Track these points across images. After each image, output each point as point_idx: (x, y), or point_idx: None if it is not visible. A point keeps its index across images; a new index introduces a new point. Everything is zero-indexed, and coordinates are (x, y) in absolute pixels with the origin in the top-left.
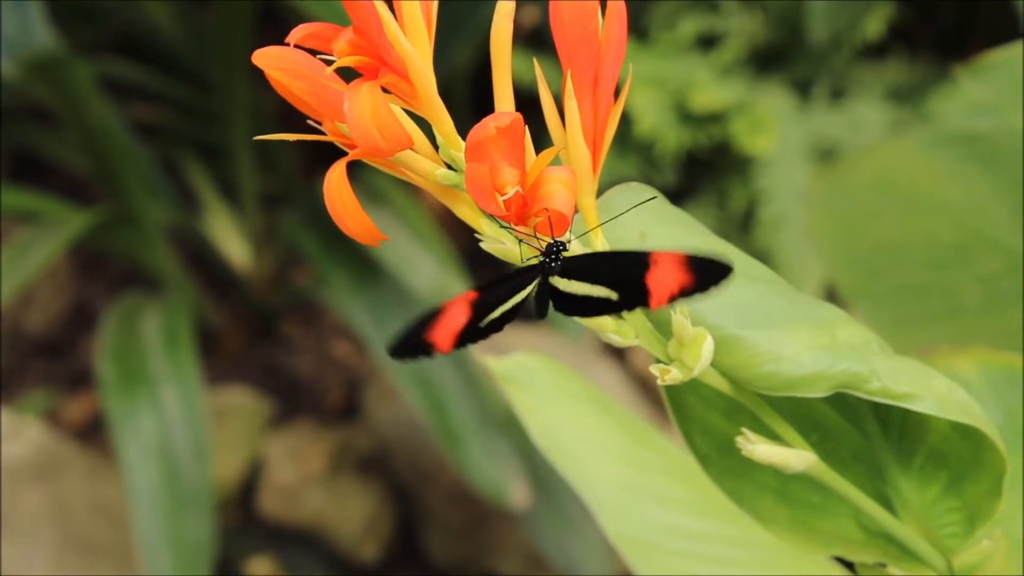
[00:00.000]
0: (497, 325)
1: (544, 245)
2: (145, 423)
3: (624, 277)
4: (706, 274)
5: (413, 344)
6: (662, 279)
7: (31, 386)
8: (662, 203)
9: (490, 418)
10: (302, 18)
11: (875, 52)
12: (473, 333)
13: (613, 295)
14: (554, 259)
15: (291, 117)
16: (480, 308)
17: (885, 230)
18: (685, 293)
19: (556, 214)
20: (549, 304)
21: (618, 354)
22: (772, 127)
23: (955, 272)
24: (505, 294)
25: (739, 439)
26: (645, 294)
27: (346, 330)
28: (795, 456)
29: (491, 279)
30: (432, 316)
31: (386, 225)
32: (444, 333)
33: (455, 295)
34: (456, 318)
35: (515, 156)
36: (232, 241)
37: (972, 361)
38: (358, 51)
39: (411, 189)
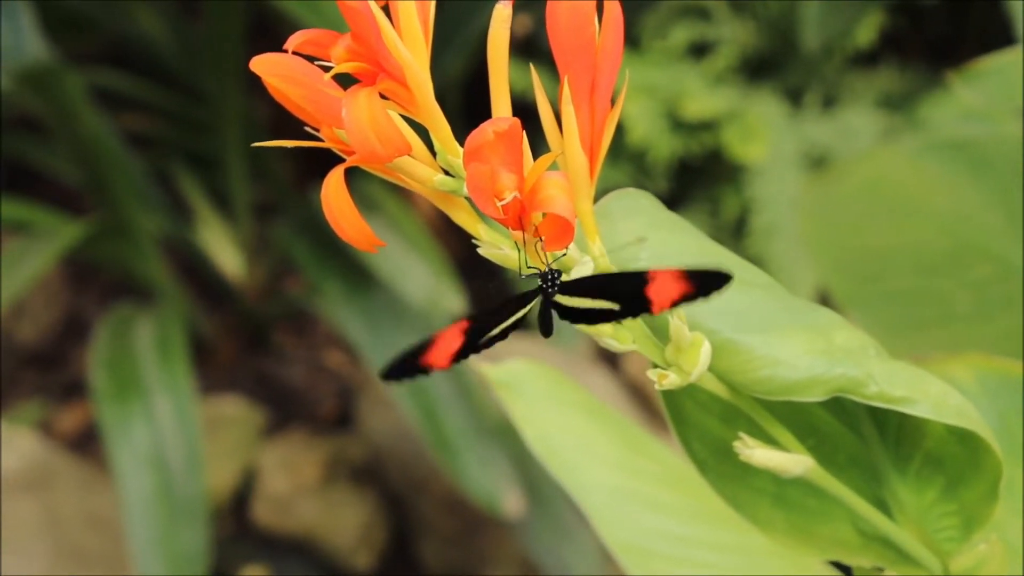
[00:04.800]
0: (496, 339)
1: (542, 254)
2: (138, 433)
3: (624, 293)
4: (706, 282)
5: (407, 368)
6: (662, 290)
7: (23, 397)
8: (658, 208)
9: (483, 427)
10: (294, 27)
11: (866, 60)
12: (469, 350)
13: (615, 306)
14: (551, 285)
15: (283, 126)
16: (474, 334)
17: (877, 237)
18: (687, 298)
19: (558, 219)
20: (553, 323)
21: (611, 362)
22: (764, 135)
23: (947, 279)
24: (502, 318)
25: (736, 444)
26: (647, 303)
27: (339, 339)
28: (792, 460)
29: (483, 309)
30: (425, 344)
31: (379, 233)
32: (440, 354)
33: (448, 323)
34: (451, 343)
35: (513, 161)
36: (224, 251)
37: (967, 367)
38: (356, 57)
39: (404, 197)
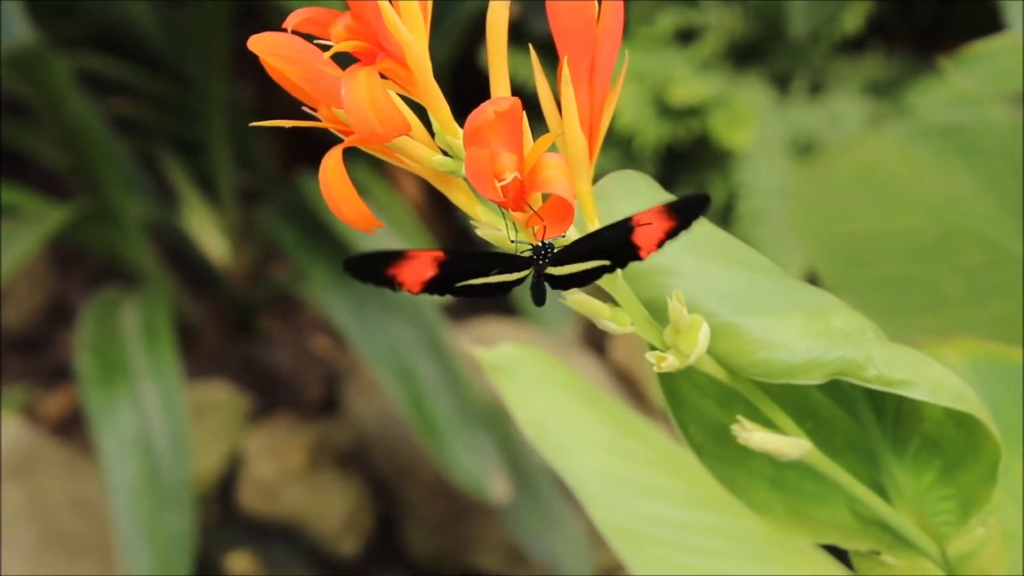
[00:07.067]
0: (472, 291)
1: (540, 236)
2: (124, 418)
3: (612, 245)
4: (687, 210)
5: (371, 268)
6: (647, 234)
7: (8, 382)
8: (656, 190)
9: (470, 412)
10: (281, 13)
11: (853, 46)
12: (443, 287)
13: (605, 262)
14: (544, 260)
15: (269, 112)
16: (448, 271)
17: (867, 222)
18: (671, 235)
19: (558, 200)
20: (546, 293)
21: (597, 348)
22: (751, 121)
23: (936, 264)
24: (484, 269)
25: (734, 427)
26: (635, 251)
27: (325, 325)
28: (790, 444)
29: (466, 251)
30: (396, 255)
31: None
32: (411, 277)
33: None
34: (424, 269)
35: (513, 142)
36: (210, 236)
37: (959, 351)
38: (355, 36)
39: (392, 182)
